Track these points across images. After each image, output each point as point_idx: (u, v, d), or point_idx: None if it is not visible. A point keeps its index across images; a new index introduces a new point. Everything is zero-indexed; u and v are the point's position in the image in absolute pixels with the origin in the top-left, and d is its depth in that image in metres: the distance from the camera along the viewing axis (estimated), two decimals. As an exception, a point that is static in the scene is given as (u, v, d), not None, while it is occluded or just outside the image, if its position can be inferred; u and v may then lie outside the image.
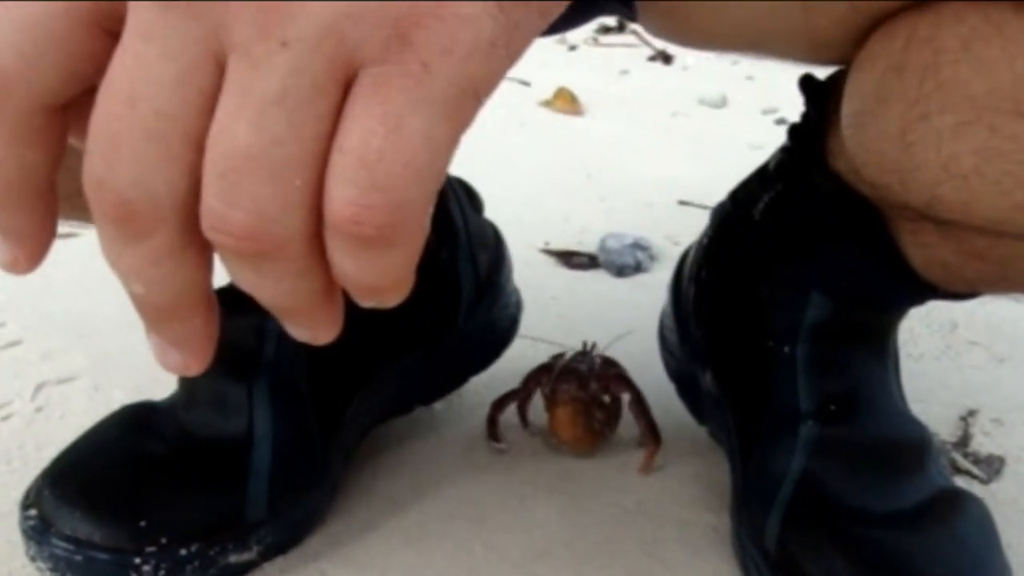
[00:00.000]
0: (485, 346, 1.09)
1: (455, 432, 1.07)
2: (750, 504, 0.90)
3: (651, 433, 1.03)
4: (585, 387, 1.02)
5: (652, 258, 1.43)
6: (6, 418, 1.07)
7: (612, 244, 1.42)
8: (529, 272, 1.38)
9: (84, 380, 1.13)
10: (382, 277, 0.39)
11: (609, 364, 1.06)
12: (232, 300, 0.94)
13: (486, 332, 1.07)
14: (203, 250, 0.39)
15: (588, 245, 1.45)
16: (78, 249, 1.39)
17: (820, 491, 0.86)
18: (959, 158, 0.65)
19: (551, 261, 1.41)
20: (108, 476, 0.85)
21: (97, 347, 1.18)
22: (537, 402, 1.06)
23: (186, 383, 0.93)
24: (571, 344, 1.08)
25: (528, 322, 1.24)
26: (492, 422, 1.06)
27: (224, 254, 0.38)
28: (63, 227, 1.32)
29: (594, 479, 1.01)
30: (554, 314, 1.27)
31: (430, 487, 0.99)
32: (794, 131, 0.89)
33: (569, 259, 1.42)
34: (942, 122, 0.65)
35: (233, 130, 0.36)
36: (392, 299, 0.40)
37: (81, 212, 0.41)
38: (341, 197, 0.36)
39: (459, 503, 0.97)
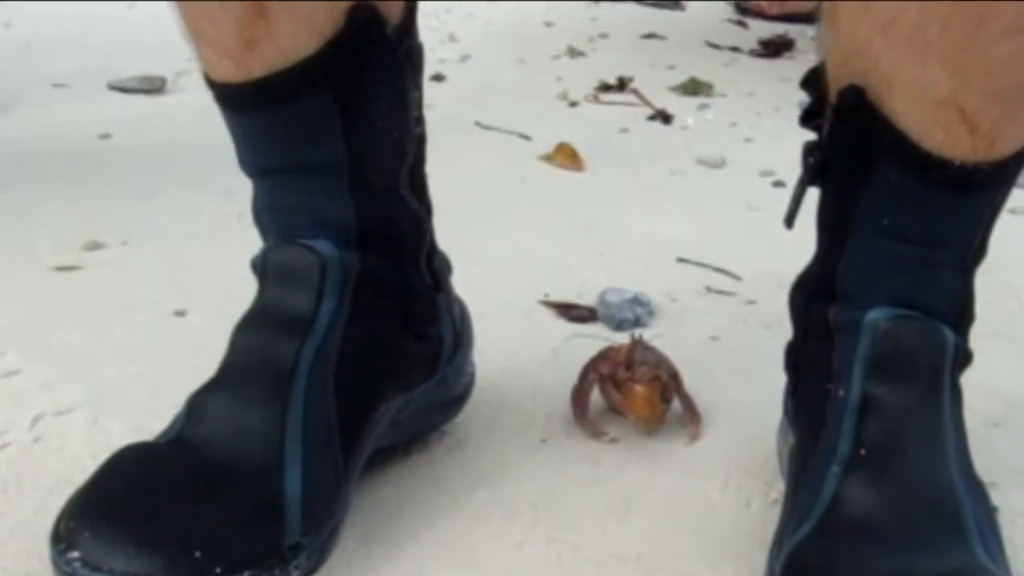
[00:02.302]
0: (453, 397, 1.13)
1: (454, 477, 1.07)
2: (771, 550, 0.93)
3: (692, 410, 1.17)
4: (659, 368, 1.15)
5: (651, 313, 1.43)
6: (3, 447, 1.07)
7: (612, 298, 1.43)
8: (529, 323, 1.39)
9: (83, 412, 1.13)
10: None
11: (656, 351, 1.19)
12: (261, 320, 0.96)
13: (455, 384, 1.12)
14: None
15: (588, 298, 1.46)
16: (79, 281, 1.40)
17: (832, 542, 0.87)
18: None
19: (551, 313, 1.42)
20: (150, 511, 0.86)
21: (96, 380, 1.18)
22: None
23: (201, 411, 0.93)
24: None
25: (528, 371, 1.26)
26: (585, 420, 1.15)
27: None
28: (64, 260, 1.33)
29: (593, 529, 1.01)
30: (553, 365, 1.27)
31: (428, 532, 0.99)
32: (806, 117, 0.97)
33: (569, 312, 1.43)
34: None
35: None
36: None
37: None
38: None
39: (457, 548, 0.97)
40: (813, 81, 0.96)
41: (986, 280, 1.58)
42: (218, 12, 0.90)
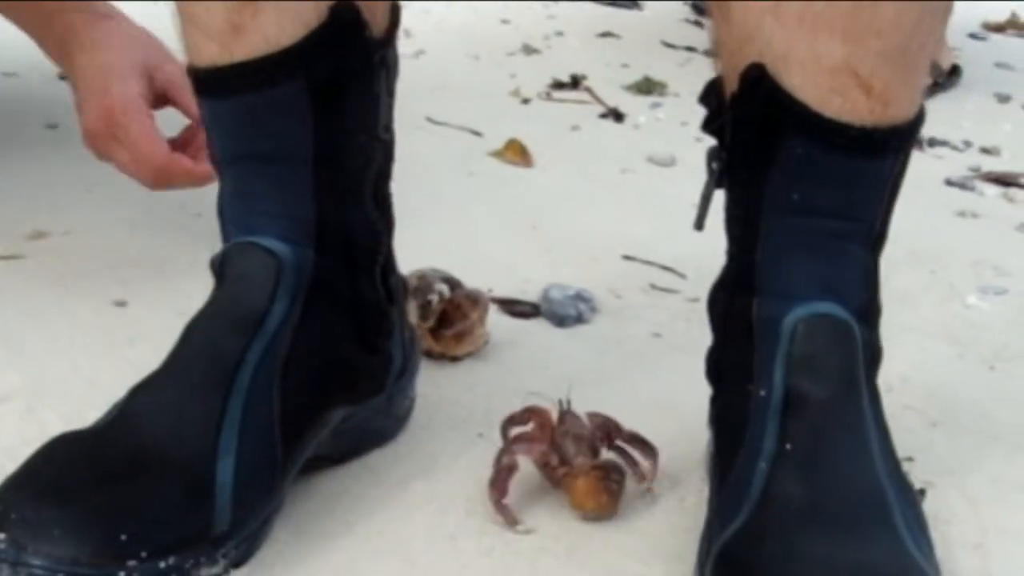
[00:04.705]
0: (397, 415, 1.13)
1: (389, 470, 1.08)
2: (699, 551, 0.95)
3: (648, 449, 1.07)
4: (596, 452, 1.04)
5: (594, 310, 1.43)
6: (-63, 436, 1.06)
7: (555, 294, 1.43)
8: (471, 317, 1.39)
9: (18, 401, 1.12)
10: None
11: (593, 416, 1.09)
12: (213, 317, 0.97)
13: (400, 403, 1.13)
14: None
15: (531, 294, 1.46)
16: (21, 270, 1.39)
17: (763, 537, 0.89)
18: None
19: (494, 308, 1.41)
20: (79, 494, 0.86)
21: (32, 369, 1.18)
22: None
23: (140, 398, 0.94)
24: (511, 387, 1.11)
25: (467, 366, 1.26)
26: (501, 507, 1.01)
27: None
28: (6, 248, 1.32)
29: (526, 523, 1.01)
30: (494, 360, 1.27)
31: (360, 524, 1.00)
32: (707, 122, 1.01)
33: (512, 307, 1.43)
34: None
35: None
36: None
37: None
38: None
39: (390, 542, 0.98)
40: (710, 94, 1.01)
41: (932, 281, 1.62)
42: None
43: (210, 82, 0.98)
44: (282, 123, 0.97)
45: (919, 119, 0.96)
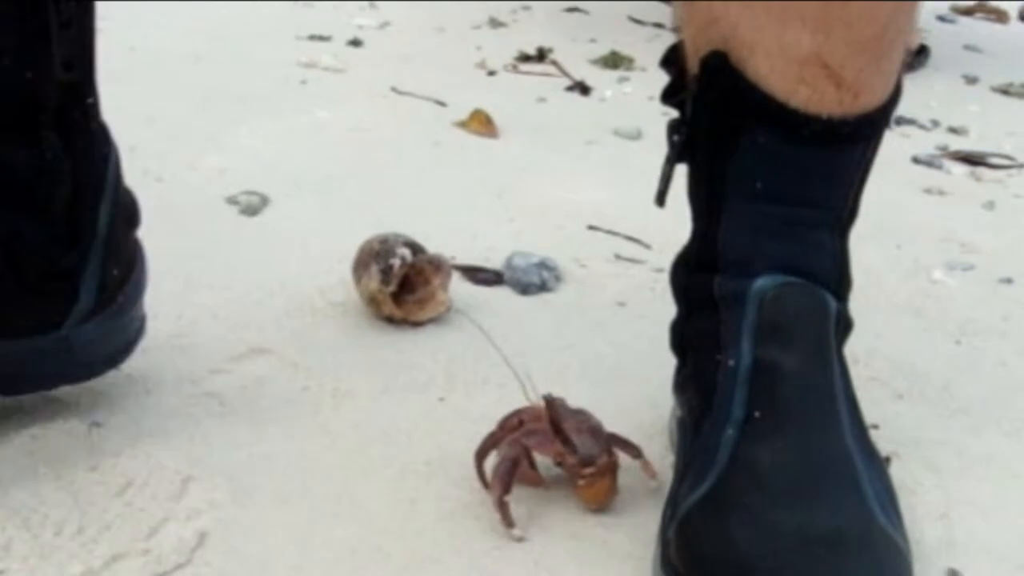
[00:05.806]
0: (89, 358, 1.03)
1: (348, 434, 1.06)
2: (664, 515, 0.93)
3: (632, 447, 1.01)
4: (610, 450, 0.98)
5: (557, 278, 1.42)
6: None
7: (518, 262, 1.42)
8: (434, 284, 1.38)
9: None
10: None
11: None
12: None
13: (94, 345, 1.02)
14: None
15: (495, 262, 1.45)
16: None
17: (728, 502, 0.87)
18: None
19: (457, 275, 1.40)
20: None
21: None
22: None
23: None
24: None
25: (430, 331, 1.24)
26: (502, 506, 0.94)
27: None
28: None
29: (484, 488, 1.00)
30: (456, 326, 1.26)
31: (318, 487, 0.98)
32: (668, 94, 1.00)
33: (475, 274, 1.42)
34: None
35: None
36: None
37: None
38: None
39: (348, 504, 0.96)
40: (672, 59, 0.98)
41: (898, 256, 1.61)
42: None
43: None
44: None
45: (893, 102, 0.94)
